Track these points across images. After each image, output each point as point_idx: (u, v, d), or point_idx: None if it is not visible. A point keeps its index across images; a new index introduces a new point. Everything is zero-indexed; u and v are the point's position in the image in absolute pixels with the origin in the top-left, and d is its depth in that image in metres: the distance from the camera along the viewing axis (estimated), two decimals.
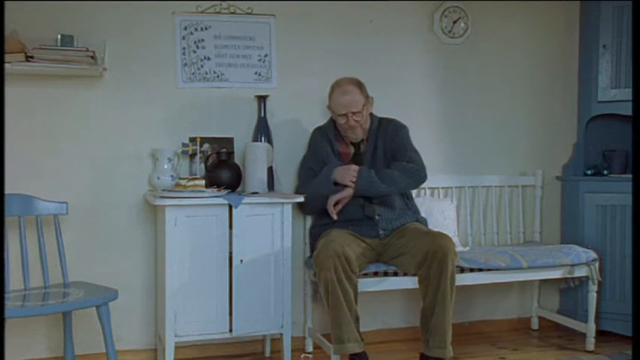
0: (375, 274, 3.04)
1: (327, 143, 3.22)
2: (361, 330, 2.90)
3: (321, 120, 3.36)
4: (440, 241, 2.87)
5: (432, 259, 2.85)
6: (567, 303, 3.79)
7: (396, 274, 3.06)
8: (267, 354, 3.38)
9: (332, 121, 3.26)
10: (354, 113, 3.09)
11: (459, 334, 3.59)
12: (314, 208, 3.23)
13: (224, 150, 3.21)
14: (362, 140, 3.21)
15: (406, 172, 3.09)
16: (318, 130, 3.30)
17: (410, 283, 3.04)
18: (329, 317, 2.87)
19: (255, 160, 3.07)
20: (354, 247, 2.94)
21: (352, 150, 3.22)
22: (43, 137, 3.11)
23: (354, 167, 3.08)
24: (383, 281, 3.06)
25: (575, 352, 3.40)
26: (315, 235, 3.22)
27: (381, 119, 3.26)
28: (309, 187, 3.18)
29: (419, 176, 3.13)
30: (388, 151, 3.19)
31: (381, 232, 3.10)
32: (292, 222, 3.04)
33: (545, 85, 3.90)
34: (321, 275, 2.83)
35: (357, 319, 2.87)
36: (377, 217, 3.11)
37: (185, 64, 3.28)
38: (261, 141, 3.21)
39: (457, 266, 2.95)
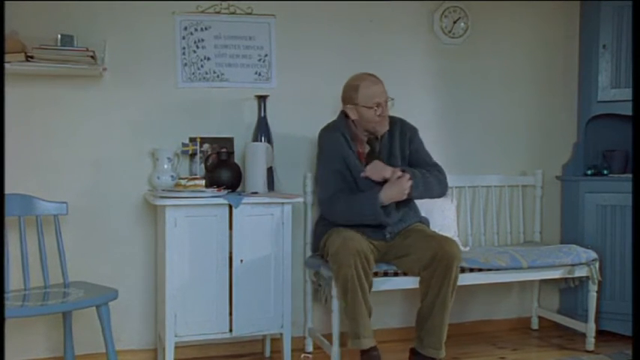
0: (376, 274, 3.04)
1: (344, 141, 3.08)
2: None
3: (321, 119, 3.30)
4: (447, 247, 2.88)
5: (437, 264, 2.87)
6: (567, 303, 3.79)
7: (396, 274, 3.06)
8: (267, 354, 3.38)
9: (343, 120, 3.13)
10: (386, 101, 3.05)
11: (459, 334, 3.60)
12: (349, 223, 3.07)
13: (224, 150, 3.20)
14: (375, 138, 3.14)
15: (441, 184, 3.12)
16: (330, 129, 3.14)
17: (410, 283, 3.04)
18: (346, 313, 2.87)
19: (255, 160, 3.07)
20: (368, 245, 2.94)
21: (367, 149, 3.15)
22: (43, 137, 3.11)
23: (406, 184, 2.97)
24: (384, 282, 3.05)
25: (575, 352, 3.40)
26: (319, 234, 3.18)
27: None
28: (347, 208, 3.02)
29: (446, 190, 3.19)
30: (405, 153, 3.16)
31: (387, 235, 3.09)
32: (292, 222, 3.05)
33: (545, 85, 3.90)
34: (340, 272, 2.82)
35: (370, 315, 2.90)
36: (387, 223, 3.08)
37: (185, 64, 3.28)
38: (261, 141, 3.21)
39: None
